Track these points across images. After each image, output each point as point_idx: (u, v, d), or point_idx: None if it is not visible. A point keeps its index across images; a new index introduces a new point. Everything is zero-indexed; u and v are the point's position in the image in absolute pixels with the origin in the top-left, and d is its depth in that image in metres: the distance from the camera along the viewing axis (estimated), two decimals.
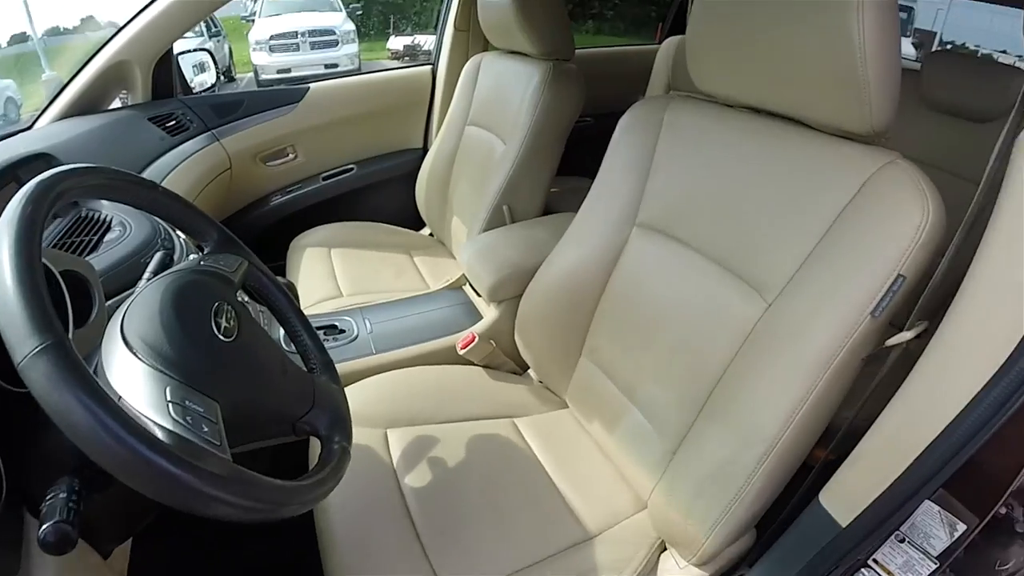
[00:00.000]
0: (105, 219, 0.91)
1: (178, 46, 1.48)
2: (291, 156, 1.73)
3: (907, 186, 0.59)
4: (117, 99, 1.42)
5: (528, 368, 1.16)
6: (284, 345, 0.92)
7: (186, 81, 1.55)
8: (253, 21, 7.68)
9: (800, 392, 0.63)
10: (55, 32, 6.66)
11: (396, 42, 8.67)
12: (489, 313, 1.20)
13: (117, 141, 1.27)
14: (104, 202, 0.95)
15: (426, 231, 1.82)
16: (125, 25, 1.30)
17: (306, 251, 1.55)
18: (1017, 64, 1.55)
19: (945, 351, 0.54)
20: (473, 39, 1.78)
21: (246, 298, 0.81)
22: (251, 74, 7.28)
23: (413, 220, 1.80)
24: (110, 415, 0.38)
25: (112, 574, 0.60)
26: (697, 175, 0.82)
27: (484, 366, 1.16)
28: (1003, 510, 0.54)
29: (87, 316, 0.56)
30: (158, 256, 0.72)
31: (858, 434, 0.63)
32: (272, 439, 0.59)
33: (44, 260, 0.47)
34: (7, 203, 0.46)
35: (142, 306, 0.52)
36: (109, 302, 0.62)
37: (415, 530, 0.78)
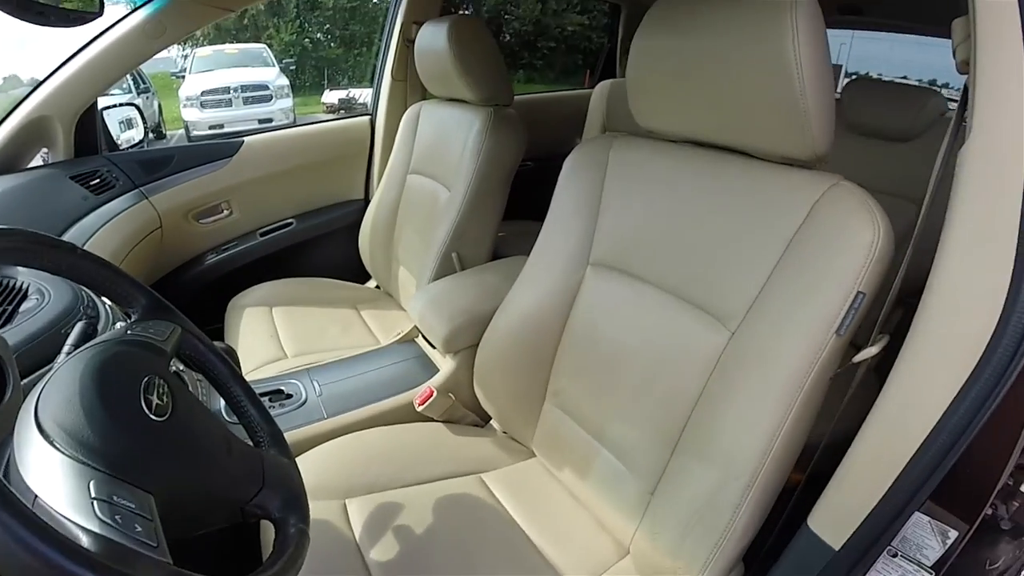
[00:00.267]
0: (21, 286, 0.85)
1: (103, 101, 1.42)
2: (226, 212, 1.66)
3: (855, 206, 0.61)
4: (38, 157, 1.34)
5: (491, 419, 1.11)
6: (226, 417, 0.84)
7: (112, 137, 1.47)
8: (183, 77, 7.58)
9: (776, 417, 0.63)
10: None
11: (331, 96, 8.72)
12: (445, 365, 1.15)
13: (35, 202, 1.20)
14: (20, 268, 0.88)
15: (372, 284, 1.76)
16: (46, 79, 1.24)
17: (245, 311, 1.46)
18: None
19: (915, 363, 0.54)
20: (411, 88, 1.79)
21: (181, 367, 0.74)
22: (182, 131, 7.11)
23: (357, 273, 1.74)
24: (20, 522, 0.32)
25: None
26: (648, 210, 0.83)
27: (444, 421, 1.11)
28: (989, 511, 0.54)
29: None
30: (79, 326, 0.66)
31: (832, 452, 0.63)
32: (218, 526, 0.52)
33: None
34: None
35: (60, 385, 0.45)
36: (25, 381, 0.55)
37: None
